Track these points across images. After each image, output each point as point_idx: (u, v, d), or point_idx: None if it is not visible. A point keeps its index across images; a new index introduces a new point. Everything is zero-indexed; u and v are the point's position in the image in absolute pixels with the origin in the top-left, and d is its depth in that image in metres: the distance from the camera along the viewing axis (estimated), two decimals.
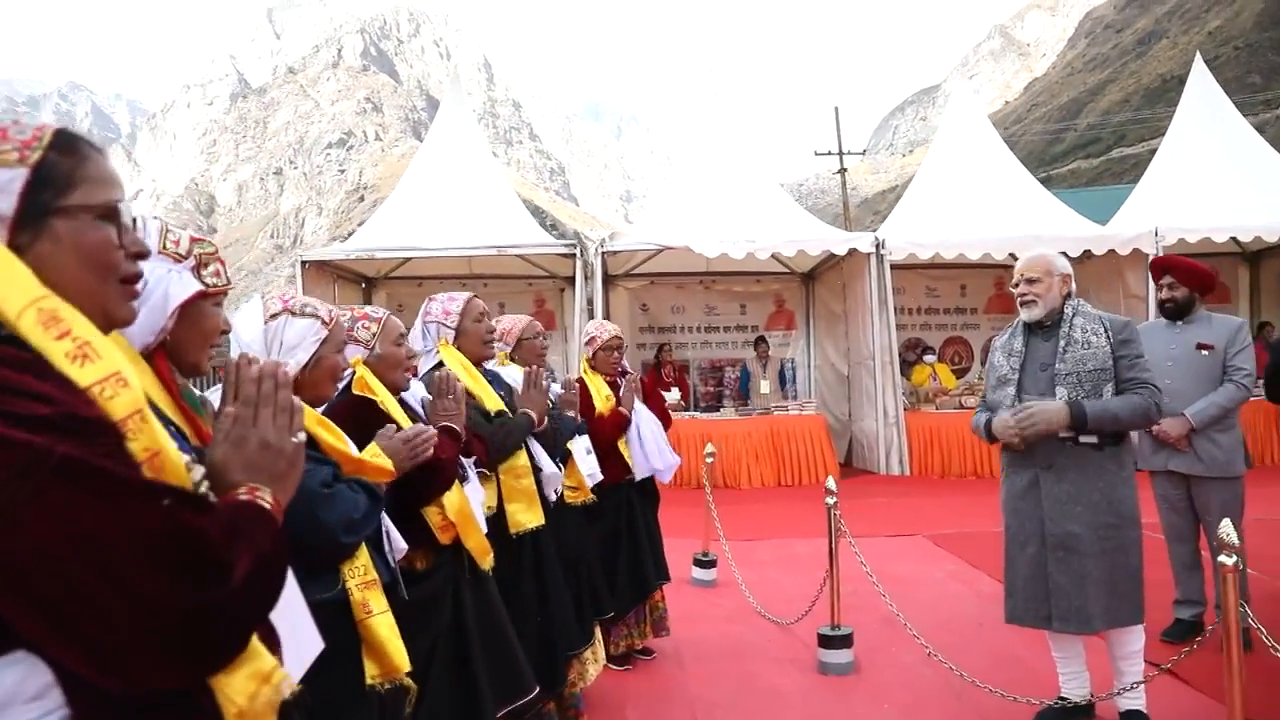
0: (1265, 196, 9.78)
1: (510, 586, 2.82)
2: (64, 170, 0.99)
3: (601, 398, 3.92)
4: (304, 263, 10.11)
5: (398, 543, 2.03)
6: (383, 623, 1.85)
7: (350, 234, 13.37)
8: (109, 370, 0.92)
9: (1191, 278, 4.04)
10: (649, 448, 3.98)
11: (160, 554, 0.85)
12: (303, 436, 1.12)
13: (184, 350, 1.33)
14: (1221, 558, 2.56)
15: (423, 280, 11.04)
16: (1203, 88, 11.22)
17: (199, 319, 1.35)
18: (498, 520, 2.82)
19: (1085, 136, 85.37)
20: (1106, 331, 3.08)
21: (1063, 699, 3.21)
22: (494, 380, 2.99)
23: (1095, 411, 2.97)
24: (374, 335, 2.27)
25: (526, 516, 2.89)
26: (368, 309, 2.33)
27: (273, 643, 1.08)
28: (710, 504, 5.59)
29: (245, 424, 1.06)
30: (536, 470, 2.95)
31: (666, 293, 11.97)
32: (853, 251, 9.78)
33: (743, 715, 3.53)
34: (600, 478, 3.57)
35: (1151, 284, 7.76)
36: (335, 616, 1.73)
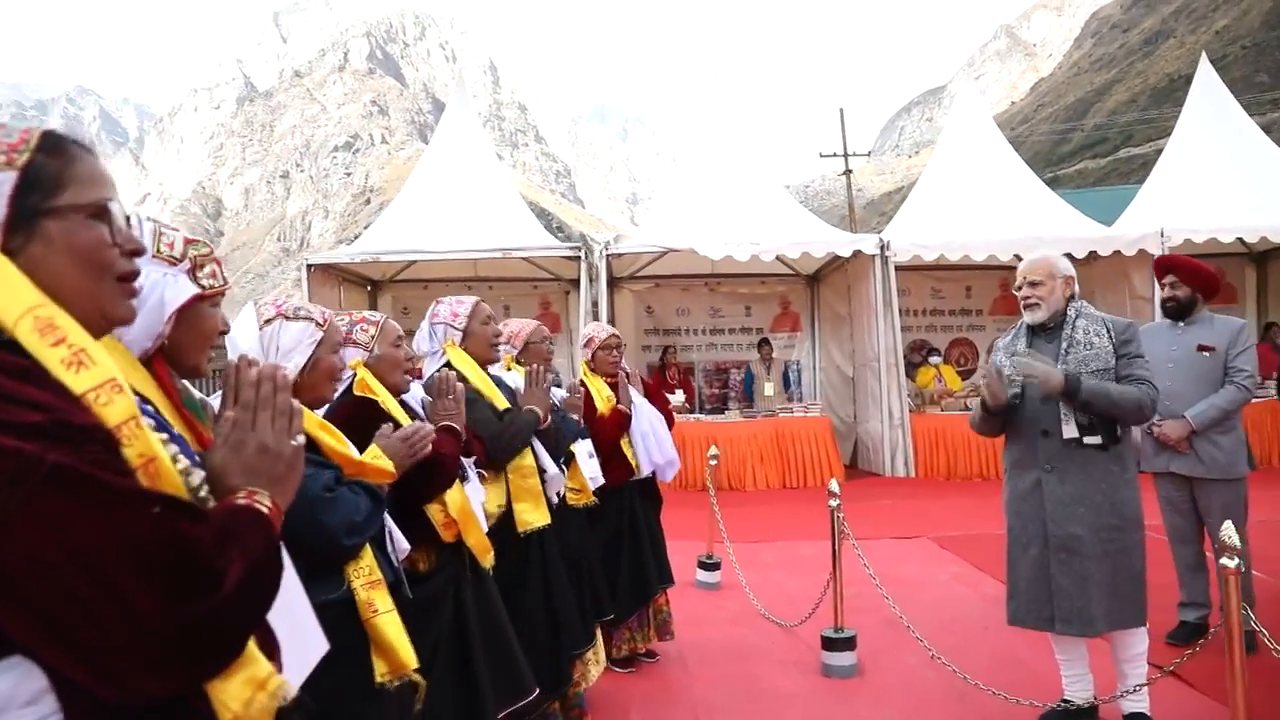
0: (1272, 196, 9.70)
1: (518, 585, 2.84)
2: (52, 171, 0.99)
3: (602, 398, 3.93)
4: (310, 266, 10.11)
5: (401, 543, 2.05)
6: (389, 621, 1.86)
7: (356, 237, 13.43)
8: (104, 377, 0.92)
9: (1194, 278, 4.03)
10: (649, 442, 3.99)
11: (149, 562, 0.85)
12: (302, 440, 1.11)
13: (183, 353, 1.32)
14: (1223, 560, 2.56)
15: (428, 283, 11.05)
16: (1209, 87, 11.16)
17: (197, 321, 1.34)
18: (505, 520, 2.84)
19: (1092, 137, 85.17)
20: (1109, 333, 3.09)
21: (1066, 701, 3.20)
22: (498, 384, 3.02)
23: (1091, 386, 2.97)
24: (372, 338, 2.29)
25: (533, 516, 2.92)
26: (365, 313, 2.36)
27: (271, 649, 1.07)
28: (715, 506, 5.59)
29: (244, 428, 1.06)
30: (540, 471, 2.97)
31: (671, 295, 11.95)
32: (857, 253, 9.77)
33: (745, 718, 3.53)
34: (602, 481, 3.58)
35: (1156, 285, 7.73)
36: (342, 617, 1.75)
